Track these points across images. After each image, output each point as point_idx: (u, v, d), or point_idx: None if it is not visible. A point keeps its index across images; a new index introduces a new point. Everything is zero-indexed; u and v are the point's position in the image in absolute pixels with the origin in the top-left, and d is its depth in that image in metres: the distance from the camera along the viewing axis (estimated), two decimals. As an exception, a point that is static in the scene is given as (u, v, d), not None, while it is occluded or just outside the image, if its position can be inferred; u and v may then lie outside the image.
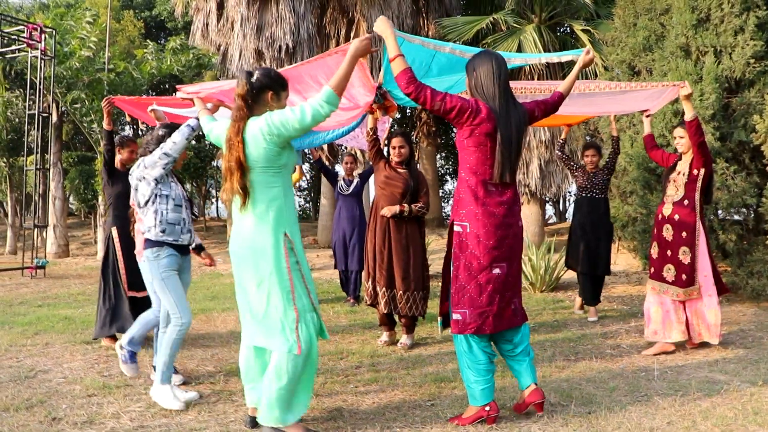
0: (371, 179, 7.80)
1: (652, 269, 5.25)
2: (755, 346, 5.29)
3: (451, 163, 23.74)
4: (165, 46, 15.19)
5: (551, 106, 3.72)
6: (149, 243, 3.93)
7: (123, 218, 5.07)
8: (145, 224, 3.93)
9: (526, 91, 4.85)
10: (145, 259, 3.96)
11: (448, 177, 24.45)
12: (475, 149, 3.46)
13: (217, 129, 3.47)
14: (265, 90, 3.27)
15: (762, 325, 6.08)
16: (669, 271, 5.10)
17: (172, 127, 4.14)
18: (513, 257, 3.53)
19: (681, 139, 5.18)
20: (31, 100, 13.08)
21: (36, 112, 11.85)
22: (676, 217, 5.08)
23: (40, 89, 11.99)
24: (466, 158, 3.51)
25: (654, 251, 5.25)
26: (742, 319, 6.40)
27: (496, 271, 3.46)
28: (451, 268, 3.55)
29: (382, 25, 3.45)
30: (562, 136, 6.84)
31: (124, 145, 5.38)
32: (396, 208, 5.28)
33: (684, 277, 5.04)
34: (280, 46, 13.07)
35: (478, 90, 3.51)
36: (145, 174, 3.91)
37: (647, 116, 5.60)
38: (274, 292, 3.21)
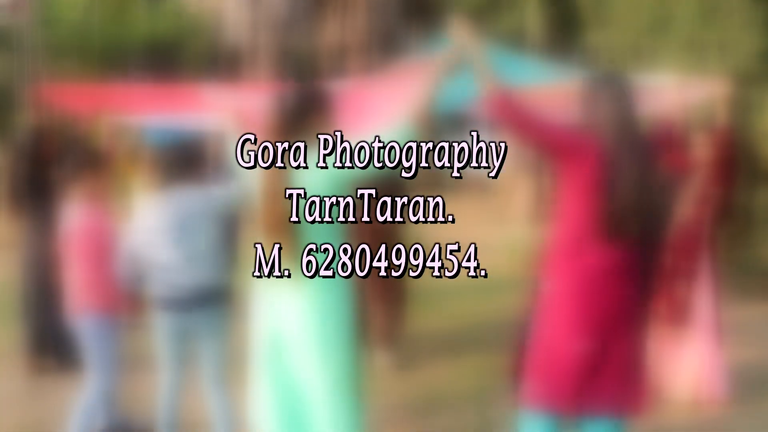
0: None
1: None
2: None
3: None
4: (159, 6, 14.90)
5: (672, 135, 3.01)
6: None
7: None
8: None
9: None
10: None
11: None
12: (576, 193, 2.74)
13: (252, 136, 2.90)
14: (308, 111, 2.74)
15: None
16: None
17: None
18: (611, 335, 2.74)
19: (702, 147, 4.50)
20: (19, 68, 12.88)
21: (24, 81, 11.68)
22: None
23: (28, 57, 11.84)
24: (564, 201, 2.82)
25: None
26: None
27: (582, 346, 2.72)
28: (532, 329, 2.90)
29: (464, 34, 2.72)
30: None
31: None
32: None
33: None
34: (276, 18, 12.84)
35: (591, 122, 2.79)
36: None
37: None
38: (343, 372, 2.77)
